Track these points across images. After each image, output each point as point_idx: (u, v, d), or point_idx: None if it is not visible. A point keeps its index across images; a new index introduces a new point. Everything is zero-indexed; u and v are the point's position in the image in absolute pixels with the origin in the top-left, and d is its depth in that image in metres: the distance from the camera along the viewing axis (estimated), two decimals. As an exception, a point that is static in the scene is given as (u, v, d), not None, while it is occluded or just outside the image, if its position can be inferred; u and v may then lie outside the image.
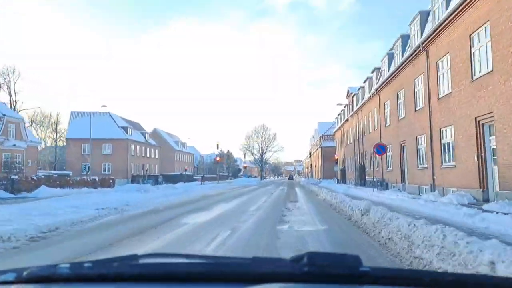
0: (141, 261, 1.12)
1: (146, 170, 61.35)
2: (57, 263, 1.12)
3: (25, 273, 1.08)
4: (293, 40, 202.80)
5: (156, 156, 67.12)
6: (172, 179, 52.10)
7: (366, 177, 33.43)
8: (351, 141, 42.60)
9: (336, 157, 50.50)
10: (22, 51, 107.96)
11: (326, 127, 73.49)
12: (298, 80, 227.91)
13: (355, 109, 38.93)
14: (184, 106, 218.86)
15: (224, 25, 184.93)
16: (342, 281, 0.97)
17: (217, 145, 61.84)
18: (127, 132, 56.14)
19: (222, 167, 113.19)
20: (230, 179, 78.48)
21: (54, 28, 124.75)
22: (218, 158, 62.66)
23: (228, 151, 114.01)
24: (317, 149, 71.95)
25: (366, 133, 34.11)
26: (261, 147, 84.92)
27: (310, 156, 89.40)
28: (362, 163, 35.36)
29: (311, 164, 76.90)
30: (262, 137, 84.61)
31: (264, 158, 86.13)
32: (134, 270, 1.08)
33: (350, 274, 0.97)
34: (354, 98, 39.73)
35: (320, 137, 73.03)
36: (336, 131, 55.22)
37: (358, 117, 37.45)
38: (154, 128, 76.68)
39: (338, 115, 51.33)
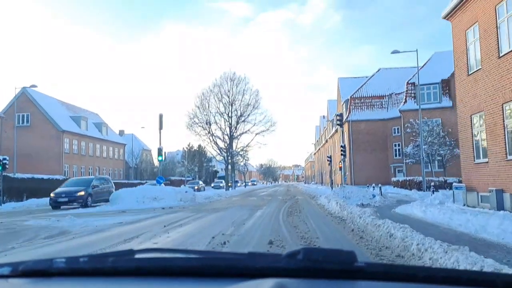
0: (137, 256, 1.09)
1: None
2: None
3: (21, 267, 1.06)
4: (287, 44, 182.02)
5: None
6: None
7: None
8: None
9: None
10: None
11: (356, 85, 38.36)
12: (293, 84, 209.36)
13: None
14: (174, 111, 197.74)
15: (216, 30, 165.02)
16: (337, 276, 0.96)
17: (160, 117, 26.34)
18: None
19: (194, 169, 79.06)
20: (147, 183, 40.03)
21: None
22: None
23: (200, 146, 79.44)
24: (335, 132, 34.63)
25: None
26: (230, 121, 38.44)
27: (319, 148, 53.71)
28: None
29: (329, 158, 40.83)
30: (230, 100, 38.08)
31: (236, 146, 39.74)
32: (129, 264, 1.05)
33: (345, 270, 0.96)
34: None
35: (346, 101, 37.58)
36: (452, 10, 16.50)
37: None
38: (23, 87, 37.90)
39: None
